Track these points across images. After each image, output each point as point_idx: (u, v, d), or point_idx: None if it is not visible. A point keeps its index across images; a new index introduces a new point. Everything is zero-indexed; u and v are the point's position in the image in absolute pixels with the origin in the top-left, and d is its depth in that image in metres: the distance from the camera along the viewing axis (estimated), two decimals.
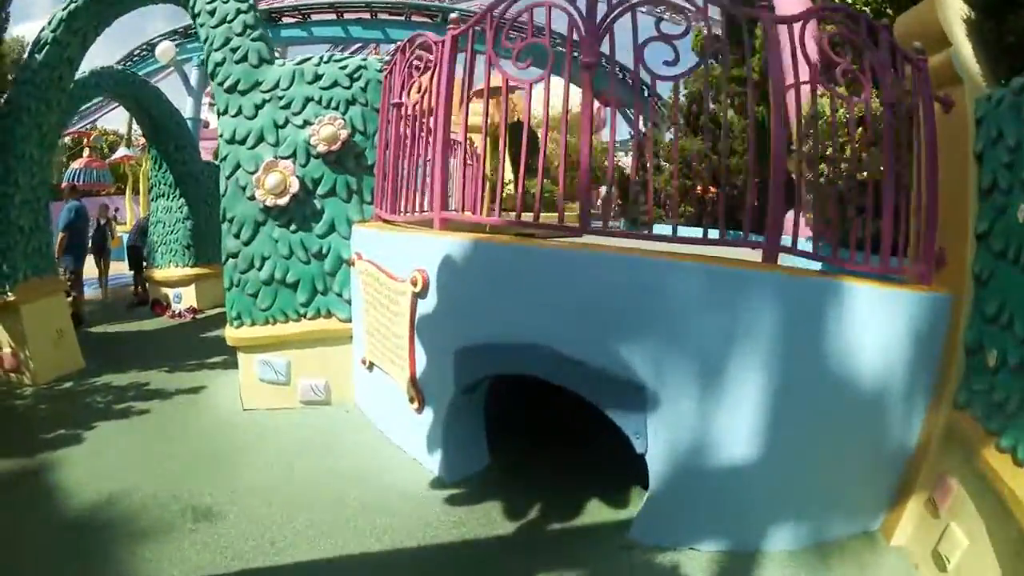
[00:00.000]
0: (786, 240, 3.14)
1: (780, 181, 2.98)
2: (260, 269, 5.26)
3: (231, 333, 5.36)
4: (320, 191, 5.27)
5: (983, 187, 2.80)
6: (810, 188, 4.24)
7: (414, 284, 4.04)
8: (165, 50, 19.17)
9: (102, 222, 10.73)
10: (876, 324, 2.86)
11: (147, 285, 10.22)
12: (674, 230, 3.29)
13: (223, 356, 6.68)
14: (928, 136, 3.11)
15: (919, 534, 3.02)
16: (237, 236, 5.25)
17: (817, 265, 3.52)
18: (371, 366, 4.96)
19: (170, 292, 9.64)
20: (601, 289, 3.08)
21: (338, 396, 5.46)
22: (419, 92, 4.29)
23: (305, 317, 5.37)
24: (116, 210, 19.15)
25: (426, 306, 4.05)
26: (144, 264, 10.17)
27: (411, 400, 4.28)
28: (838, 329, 2.80)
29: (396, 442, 4.67)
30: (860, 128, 4.61)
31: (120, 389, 5.90)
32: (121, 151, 23.18)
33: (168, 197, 9.58)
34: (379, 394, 4.94)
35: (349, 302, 5.36)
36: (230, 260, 5.31)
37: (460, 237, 3.79)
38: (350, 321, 5.35)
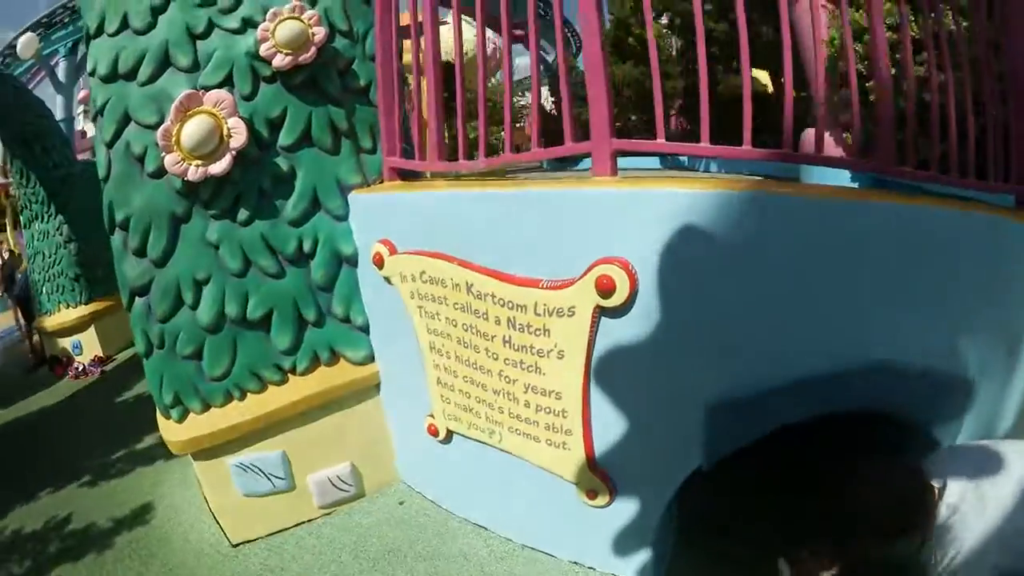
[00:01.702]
0: None
1: None
2: (196, 306, 2.86)
3: (172, 434, 2.95)
4: (285, 140, 2.86)
5: None
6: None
7: (604, 291, 1.94)
8: (27, 43, 15.36)
9: None
10: None
11: (41, 339, 7.97)
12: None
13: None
14: None
15: None
16: (141, 253, 2.82)
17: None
18: (450, 436, 2.78)
19: (68, 343, 7.29)
20: (959, 261, 2.11)
21: (373, 479, 3.31)
22: None
23: (295, 372, 3.04)
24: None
25: (628, 330, 2.03)
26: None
27: (589, 493, 2.33)
28: None
29: (530, 543, 2.77)
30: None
31: (36, 541, 3.50)
32: None
33: (43, 218, 7.20)
34: (474, 474, 2.88)
35: (365, 329, 3.08)
36: (137, 301, 2.88)
37: (706, 186, 1.88)
38: (372, 360, 3.10)
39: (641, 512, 2.32)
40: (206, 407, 2.94)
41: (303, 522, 3.19)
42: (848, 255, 1.92)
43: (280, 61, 2.69)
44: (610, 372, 2.07)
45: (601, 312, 1.99)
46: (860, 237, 1.91)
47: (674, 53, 12.96)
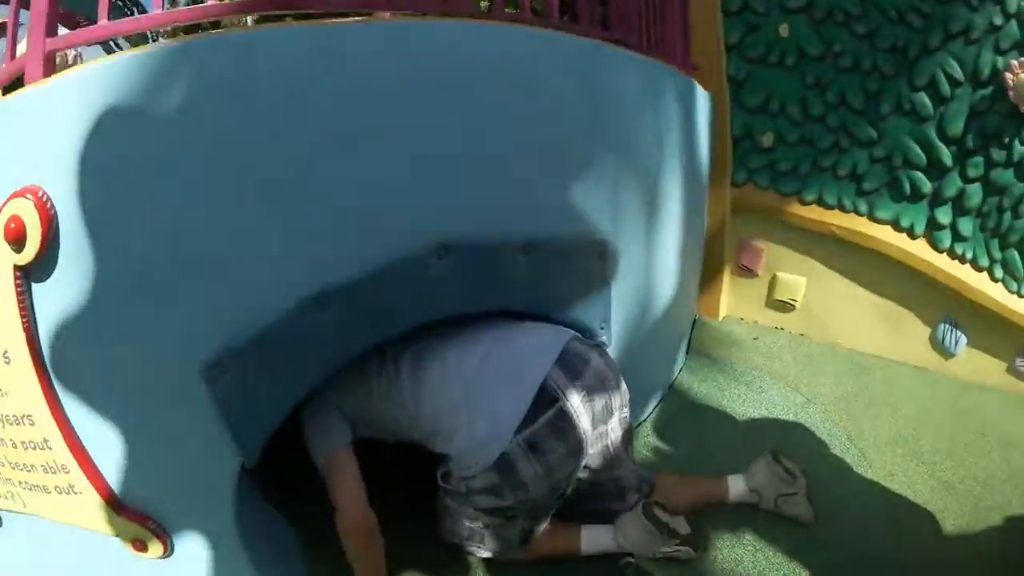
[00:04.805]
0: None
1: None
2: None
3: None
4: None
5: (730, 9, 3.02)
6: None
7: (14, 241, 1.28)
8: None
9: None
10: (697, 112, 2.62)
11: None
12: None
13: None
14: None
15: (741, 299, 3.26)
16: None
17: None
18: None
19: None
20: (553, 97, 1.78)
21: None
22: None
23: None
24: None
25: (65, 296, 1.35)
26: None
27: (136, 544, 1.57)
28: (684, 115, 2.45)
29: None
30: None
31: None
32: None
33: None
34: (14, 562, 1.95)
35: None
36: None
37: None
38: None
39: (214, 543, 1.64)
40: None
41: None
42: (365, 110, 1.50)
43: None
44: (74, 368, 1.39)
45: (24, 275, 1.31)
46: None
47: None
